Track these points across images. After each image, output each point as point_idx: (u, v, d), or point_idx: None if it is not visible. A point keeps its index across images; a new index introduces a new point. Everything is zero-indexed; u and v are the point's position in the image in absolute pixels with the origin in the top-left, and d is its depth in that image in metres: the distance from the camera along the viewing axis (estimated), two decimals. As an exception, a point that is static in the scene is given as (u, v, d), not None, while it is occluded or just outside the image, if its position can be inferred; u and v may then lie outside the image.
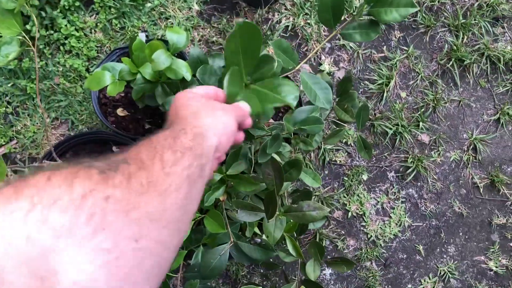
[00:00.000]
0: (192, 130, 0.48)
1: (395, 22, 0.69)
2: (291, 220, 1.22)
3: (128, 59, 1.23)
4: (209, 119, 0.52)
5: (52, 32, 1.76)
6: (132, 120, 1.46)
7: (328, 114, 1.23)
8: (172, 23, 1.83)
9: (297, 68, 0.90)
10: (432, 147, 1.80)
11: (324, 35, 1.87)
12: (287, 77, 0.95)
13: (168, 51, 1.24)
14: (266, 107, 0.64)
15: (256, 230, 1.19)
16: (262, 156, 1.03)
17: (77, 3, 1.77)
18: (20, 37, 1.01)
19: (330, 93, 0.90)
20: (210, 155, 0.49)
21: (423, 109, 1.82)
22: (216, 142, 0.51)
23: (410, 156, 1.77)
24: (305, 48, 1.86)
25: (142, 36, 1.24)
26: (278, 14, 1.89)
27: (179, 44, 1.24)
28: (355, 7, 1.86)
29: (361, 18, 0.82)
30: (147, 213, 0.37)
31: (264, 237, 1.19)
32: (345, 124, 1.22)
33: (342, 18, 0.80)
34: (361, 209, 1.71)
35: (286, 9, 1.90)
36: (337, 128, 1.22)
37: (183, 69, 1.17)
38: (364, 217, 1.70)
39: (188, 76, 1.09)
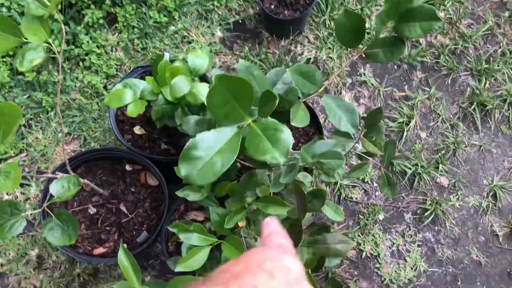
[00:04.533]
0: None
1: (419, 37, 0.67)
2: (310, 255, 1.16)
3: (151, 78, 1.20)
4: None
5: (73, 47, 1.75)
6: (148, 139, 1.41)
7: (352, 146, 1.19)
8: (194, 47, 1.82)
9: (320, 90, 0.86)
10: (451, 191, 1.75)
11: (346, 70, 1.85)
12: (305, 102, 0.91)
13: (190, 74, 1.21)
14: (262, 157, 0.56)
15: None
16: (275, 185, 0.98)
17: (101, 21, 1.76)
18: (46, 45, 0.99)
19: (356, 117, 0.84)
20: None
21: (443, 151, 1.78)
22: None
23: (429, 198, 1.71)
24: (326, 82, 1.83)
25: (166, 56, 1.21)
26: (300, 46, 1.88)
27: (201, 68, 1.21)
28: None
29: (383, 36, 0.79)
30: None
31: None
32: (370, 158, 1.17)
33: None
34: (376, 250, 1.64)
35: (309, 42, 1.89)
36: (362, 162, 1.18)
37: (203, 94, 1.14)
38: (378, 258, 1.63)
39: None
